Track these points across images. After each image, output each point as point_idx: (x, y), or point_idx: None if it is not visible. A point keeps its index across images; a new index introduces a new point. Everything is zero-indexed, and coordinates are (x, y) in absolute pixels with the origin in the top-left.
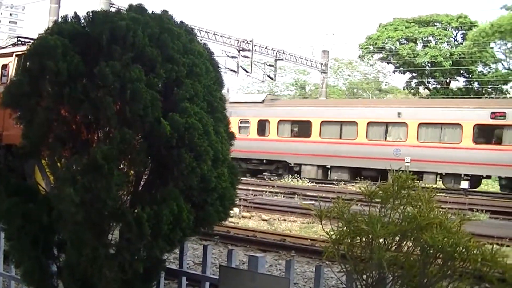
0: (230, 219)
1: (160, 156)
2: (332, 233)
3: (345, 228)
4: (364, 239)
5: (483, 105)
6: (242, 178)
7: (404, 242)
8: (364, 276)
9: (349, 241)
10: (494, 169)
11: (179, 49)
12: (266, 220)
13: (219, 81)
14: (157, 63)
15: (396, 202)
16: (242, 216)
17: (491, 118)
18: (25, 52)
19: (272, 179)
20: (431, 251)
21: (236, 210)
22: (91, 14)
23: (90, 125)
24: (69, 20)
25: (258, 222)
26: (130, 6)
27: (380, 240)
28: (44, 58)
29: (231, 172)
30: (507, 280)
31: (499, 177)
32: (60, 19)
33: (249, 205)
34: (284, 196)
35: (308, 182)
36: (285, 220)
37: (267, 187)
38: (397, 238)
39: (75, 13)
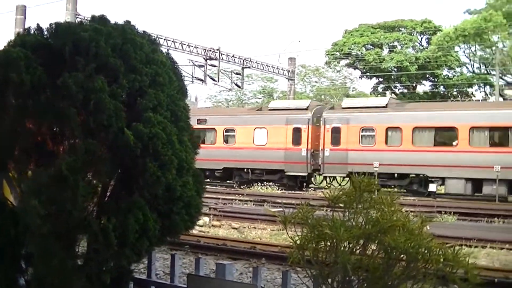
0: (200, 228)
1: (125, 166)
2: (296, 238)
3: (309, 233)
4: (328, 243)
5: (195, 113)
6: (212, 187)
7: (369, 245)
8: (330, 280)
9: (314, 245)
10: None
11: (141, 59)
12: (236, 229)
13: (182, 90)
14: (120, 74)
15: (359, 206)
16: (212, 225)
17: (197, 123)
18: None
19: (241, 187)
20: (394, 253)
21: (206, 219)
22: (53, 26)
23: (56, 136)
24: (32, 32)
25: (228, 231)
26: (93, 17)
27: (345, 244)
28: (7, 70)
29: (196, 180)
30: (469, 280)
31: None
32: (23, 31)
33: (219, 214)
34: (253, 204)
35: (278, 190)
36: (255, 227)
37: (237, 195)
38: (361, 241)
39: (37, 25)
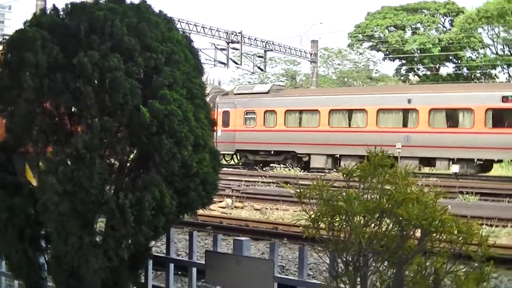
0: (222, 210)
1: (142, 144)
2: (311, 212)
3: (323, 207)
4: (343, 217)
5: None
6: (235, 170)
7: (384, 219)
8: (345, 254)
9: (329, 219)
10: None
11: (157, 37)
12: (258, 210)
13: (198, 68)
14: (136, 52)
15: (374, 180)
16: (235, 207)
17: None
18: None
19: (264, 169)
20: (408, 226)
21: (228, 200)
22: (69, 5)
23: (73, 116)
24: (48, 12)
25: (250, 212)
26: None
27: (359, 218)
28: (23, 50)
29: (213, 157)
30: (482, 252)
31: None
32: (39, 12)
33: (242, 196)
34: (276, 186)
35: (300, 171)
36: (277, 209)
37: (259, 177)
38: (376, 215)
39: (53, 5)
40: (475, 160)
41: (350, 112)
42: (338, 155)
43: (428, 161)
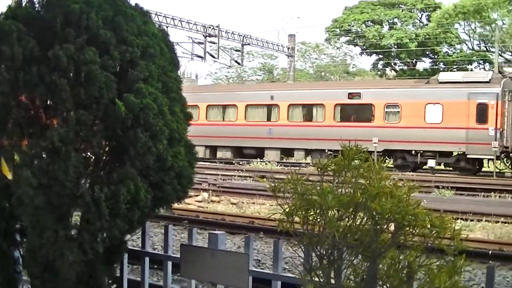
0: (199, 204)
1: (117, 137)
2: (285, 206)
3: (298, 201)
4: (317, 211)
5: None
6: (211, 163)
7: (358, 214)
8: (319, 247)
9: (303, 213)
10: None
11: (133, 31)
12: (235, 204)
13: (174, 62)
14: (111, 45)
15: (348, 174)
16: (211, 201)
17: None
18: None
19: (241, 163)
20: (382, 220)
21: (205, 194)
22: None
23: (48, 109)
24: (24, 4)
25: (227, 206)
26: None
27: (333, 212)
28: None
29: (189, 151)
30: (455, 246)
31: None
32: (14, 4)
33: (218, 190)
34: (252, 180)
35: (277, 165)
36: (254, 203)
37: (236, 171)
38: (351, 209)
39: None
40: (326, 150)
41: (224, 107)
42: (215, 146)
43: (289, 152)
